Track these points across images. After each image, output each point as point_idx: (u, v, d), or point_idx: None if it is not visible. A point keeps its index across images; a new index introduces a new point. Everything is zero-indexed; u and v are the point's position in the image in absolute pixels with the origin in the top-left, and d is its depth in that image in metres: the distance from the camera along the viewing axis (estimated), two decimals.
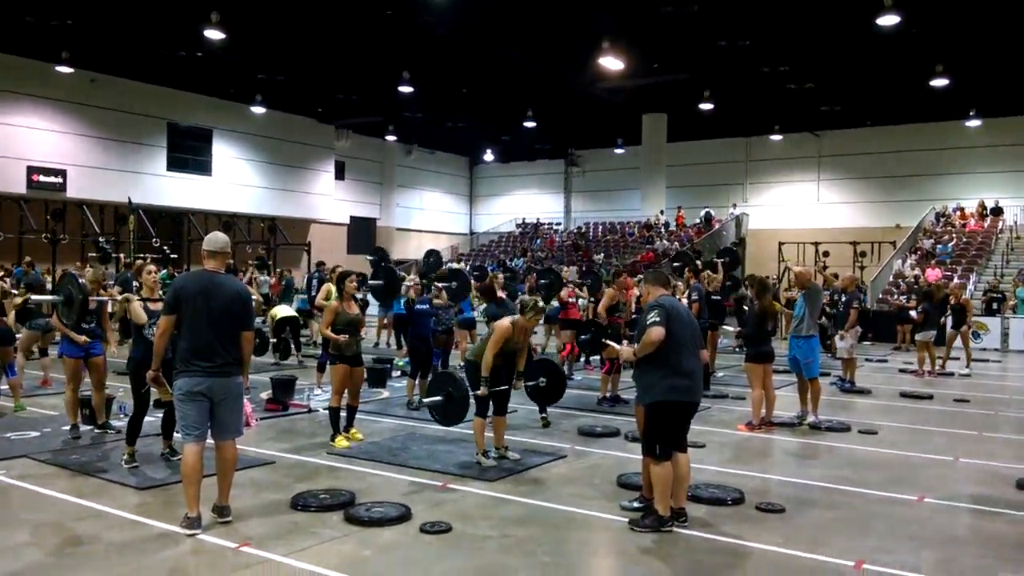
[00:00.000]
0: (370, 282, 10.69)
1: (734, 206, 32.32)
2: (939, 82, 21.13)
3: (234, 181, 28.89)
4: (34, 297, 9.60)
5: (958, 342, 14.48)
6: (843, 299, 12.20)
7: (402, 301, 10.28)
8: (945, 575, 4.58)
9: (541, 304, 7.18)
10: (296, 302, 15.95)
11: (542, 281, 12.94)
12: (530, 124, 29.06)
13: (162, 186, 26.49)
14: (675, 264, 14.34)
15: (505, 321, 6.93)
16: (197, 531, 5.01)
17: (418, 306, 9.67)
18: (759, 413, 8.71)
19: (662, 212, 31.29)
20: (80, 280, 6.67)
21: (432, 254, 13.16)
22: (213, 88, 26.76)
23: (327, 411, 7.94)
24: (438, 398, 7.07)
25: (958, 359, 14.46)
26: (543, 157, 38.01)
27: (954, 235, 26.33)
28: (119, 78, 24.88)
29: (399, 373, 12.61)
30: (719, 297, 12.95)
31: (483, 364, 6.74)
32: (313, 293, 16.07)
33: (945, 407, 10.72)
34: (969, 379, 13.56)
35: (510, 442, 7.23)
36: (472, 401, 6.89)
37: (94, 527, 5.24)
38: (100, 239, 20.93)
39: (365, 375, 8.44)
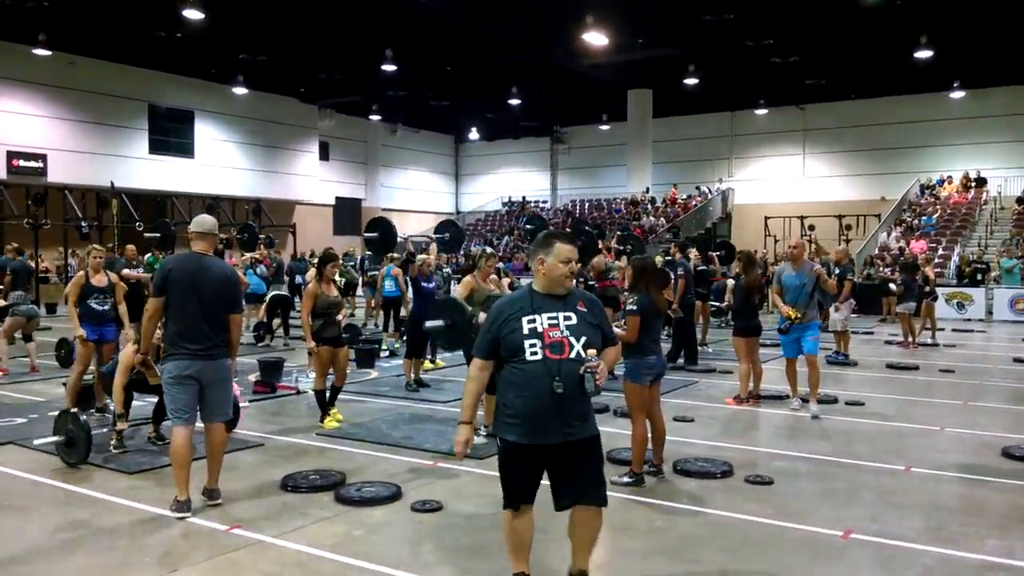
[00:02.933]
0: (365, 234, 10.78)
1: (720, 181, 32.31)
2: (923, 54, 21.11)
3: (217, 163, 28.63)
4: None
5: (944, 311, 14.49)
6: (836, 273, 12.29)
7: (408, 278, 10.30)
8: (933, 543, 4.62)
9: (490, 250, 7.56)
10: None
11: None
12: (515, 101, 28.90)
13: (144, 169, 26.21)
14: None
15: (467, 277, 7.45)
16: (187, 514, 5.00)
17: (425, 284, 9.72)
18: (747, 387, 8.75)
19: (648, 189, 31.25)
20: (81, 418, 6.28)
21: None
22: (194, 69, 26.42)
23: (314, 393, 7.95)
24: (440, 323, 7.03)
25: (929, 329, 14.57)
26: (529, 135, 37.80)
27: (938, 207, 26.42)
28: (98, 60, 24.54)
29: (388, 353, 12.62)
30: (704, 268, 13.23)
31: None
32: (298, 281, 15.99)
33: (931, 377, 10.82)
34: (954, 350, 13.66)
35: None
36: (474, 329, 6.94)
37: (84, 512, 5.22)
38: (83, 223, 20.69)
39: (351, 356, 8.41)
